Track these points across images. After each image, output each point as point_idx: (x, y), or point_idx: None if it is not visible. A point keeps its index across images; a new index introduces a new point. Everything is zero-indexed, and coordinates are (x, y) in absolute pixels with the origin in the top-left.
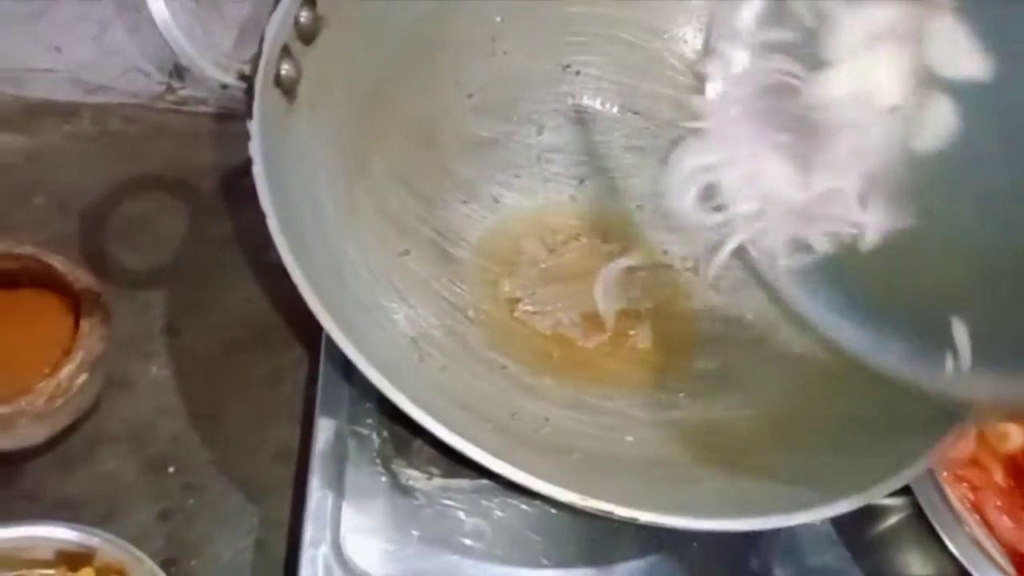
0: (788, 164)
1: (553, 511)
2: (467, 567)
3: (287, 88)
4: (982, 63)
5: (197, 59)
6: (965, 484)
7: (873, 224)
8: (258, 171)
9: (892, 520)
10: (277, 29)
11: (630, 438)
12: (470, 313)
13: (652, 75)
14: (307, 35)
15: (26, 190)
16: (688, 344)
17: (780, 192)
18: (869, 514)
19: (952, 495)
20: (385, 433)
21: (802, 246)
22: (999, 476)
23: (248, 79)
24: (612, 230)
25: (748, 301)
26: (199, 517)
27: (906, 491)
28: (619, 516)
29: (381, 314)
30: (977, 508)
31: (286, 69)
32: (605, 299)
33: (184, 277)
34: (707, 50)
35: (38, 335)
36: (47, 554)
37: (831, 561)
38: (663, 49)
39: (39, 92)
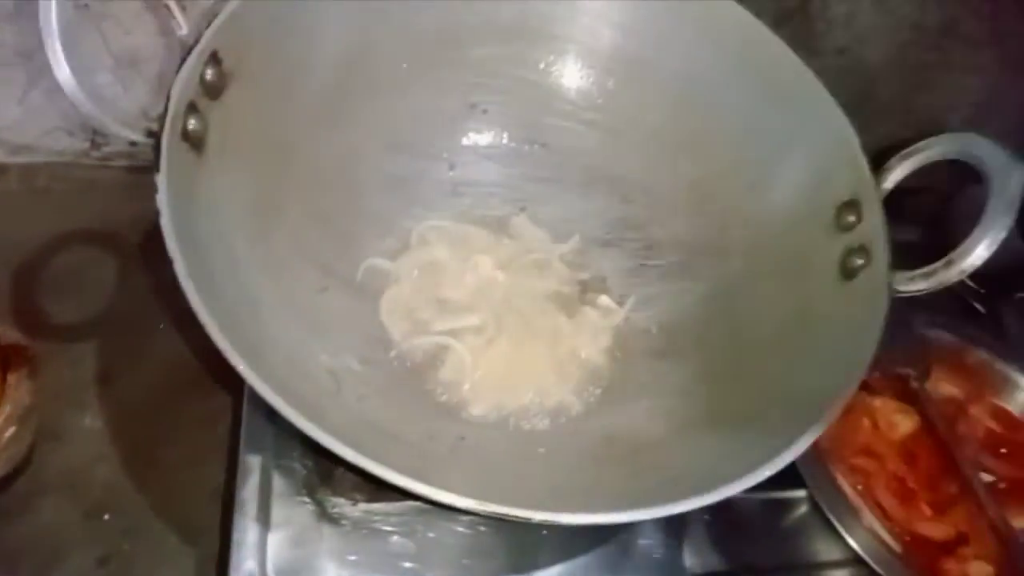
0: None
1: (482, 528)
2: None
3: (195, 141)
4: None
5: (104, 119)
6: (859, 473)
7: None
8: (165, 221)
9: (798, 512)
10: (182, 87)
11: (542, 449)
12: (388, 342)
13: (552, 109)
14: (213, 91)
15: None
16: (600, 359)
17: None
18: (777, 507)
19: (845, 485)
20: (310, 464)
21: None
22: (894, 463)
23: (155, 135)
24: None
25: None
26: (137, 561)
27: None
28: (513, 517)
29: (300, 350)
30: (870, 494)
31: (193, 124)
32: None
33: (115, 327)
34: None
35: None
36: None
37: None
38: (556, 84)
39: None
